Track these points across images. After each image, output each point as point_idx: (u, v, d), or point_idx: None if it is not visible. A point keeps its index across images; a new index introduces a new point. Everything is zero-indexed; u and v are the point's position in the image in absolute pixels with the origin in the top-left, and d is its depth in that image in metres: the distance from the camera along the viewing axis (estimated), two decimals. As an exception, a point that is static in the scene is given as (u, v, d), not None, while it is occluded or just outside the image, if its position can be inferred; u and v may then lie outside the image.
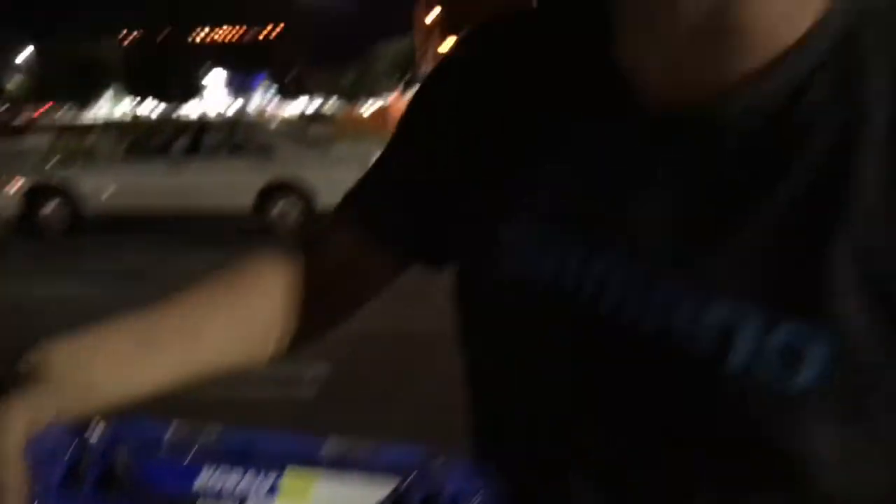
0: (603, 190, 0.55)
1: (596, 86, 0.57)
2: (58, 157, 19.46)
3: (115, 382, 0.61)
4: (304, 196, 10.44)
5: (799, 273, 0.47)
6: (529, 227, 0.57)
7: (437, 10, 42.05)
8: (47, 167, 13.42)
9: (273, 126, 11.40)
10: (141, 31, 52.80)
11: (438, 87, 0.70)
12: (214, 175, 10.71)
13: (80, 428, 0.66)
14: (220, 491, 0.65)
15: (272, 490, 0.65)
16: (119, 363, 0.62)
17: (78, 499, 0.64)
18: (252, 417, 4.15)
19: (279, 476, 0.66)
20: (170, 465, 0.67)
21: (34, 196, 10.74)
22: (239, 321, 0.69)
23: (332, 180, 10.27)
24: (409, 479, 0.66)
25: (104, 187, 10.87)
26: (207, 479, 0.67)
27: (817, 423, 0.46)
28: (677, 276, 0.50)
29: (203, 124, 12.30)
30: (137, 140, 11.66)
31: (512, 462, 0.61)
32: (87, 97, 31.15)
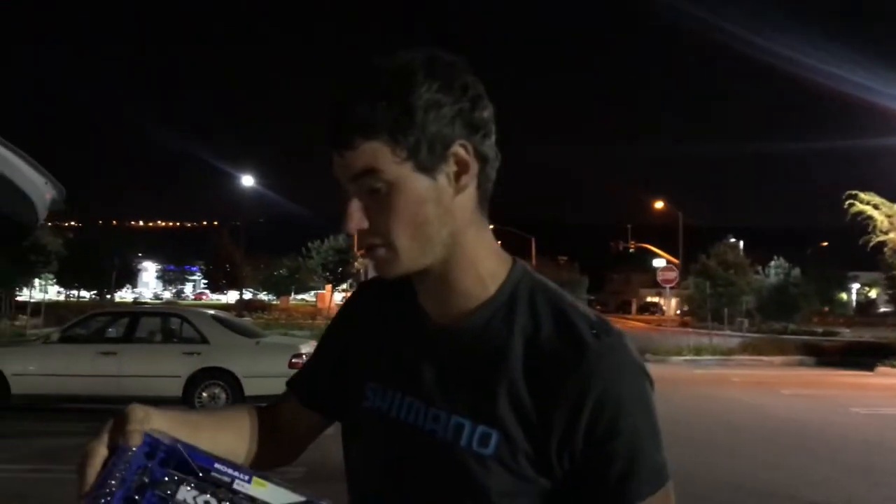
0: (408, 364, 1.18)
1: (409, 313, 1.18)
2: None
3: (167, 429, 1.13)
4: (231, 383, 10.80)
5: (485, 403, 1.08)
6: (374, 386, 1.20)
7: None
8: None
9: (205, 315, 11.78)
10: (77, 221, 53.65)
11: (341, 310, 1.38)
12: (145, 362, 11.01)
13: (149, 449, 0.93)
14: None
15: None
16: (173, 425, 1.07)
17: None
18: None
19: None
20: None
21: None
22: (237, 440, 1.25)
23: (260, 369, 10.80)
24: None
25: (32, 370, 11.01)
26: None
27: (496, 472, 1.06)
28: (439, 405, 1.12)
29: (136, 312, 12.64)
30: (69, 327, 11.85)
31: (368, 496, 1.19)
32: (17, 281, 31.21)
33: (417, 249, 1.06)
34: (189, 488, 0.91)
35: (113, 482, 0.88)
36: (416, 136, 1.02)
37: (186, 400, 10.70)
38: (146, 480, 0.90)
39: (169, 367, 10.85)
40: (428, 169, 1.03)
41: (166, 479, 0.91)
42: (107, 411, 10.91)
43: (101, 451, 0.93)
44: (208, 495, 0.91)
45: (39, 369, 10.97)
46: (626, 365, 1.04)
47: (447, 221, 1.06)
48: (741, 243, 43.89)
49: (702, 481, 7.13)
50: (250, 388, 10.70)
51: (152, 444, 0.93)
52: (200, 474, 0.92)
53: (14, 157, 1.39)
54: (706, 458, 8.44)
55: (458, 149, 1.04)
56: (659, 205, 48.49)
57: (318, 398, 1.31)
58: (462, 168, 1.05)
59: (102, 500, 0.87)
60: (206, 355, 10.90)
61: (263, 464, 1.24)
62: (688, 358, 22.98)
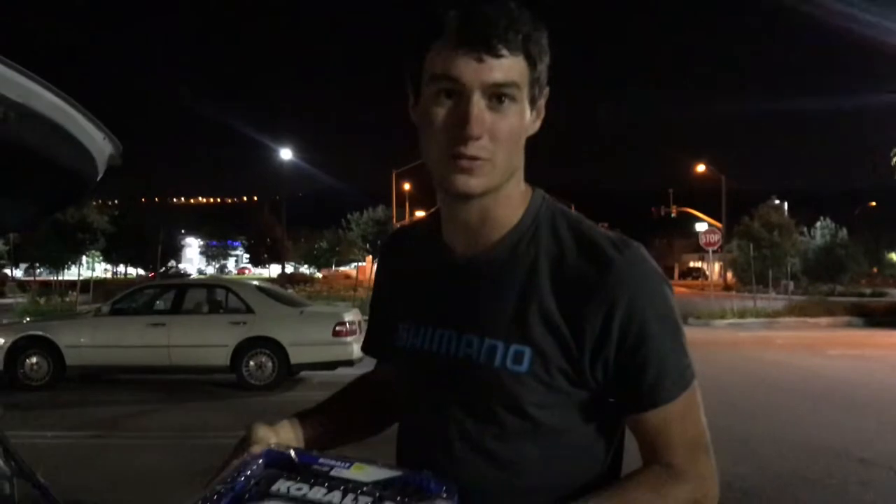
0: (437, 298, 1.24)
1: (433, 253, 1.27)
2: (38, 313, 19.83)
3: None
4: (278, 352, 11.01)
5: (517, 325, 1.14)
6: (406, 325, 1.27)
7: (407, 185, 44.84)
8: (26, 321, 13.86)
9: (250, 286, 11.99)
10: (122, 199, 54.54)
11: (379, 257, 1.46)
12: (193, 332, 11.26)
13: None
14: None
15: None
16: (300, 434, 1.26)
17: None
18: None
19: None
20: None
21: (15, 350, 11.10)
22: (360, 425, 1.40)
23: (305, 337, 10.98)
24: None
25: (85, 342, 11.34)
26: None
27: (531, 387, 1.13)
28: (471, 331, 1.18)
29: (183, 285, 12.90)
30: (119, 299, 12.14)
31: (413, 439, 1.27)
32: (66, 259, 31.95)
33: (503, 171, 1.13)
34: (285, 481, 1.04)
35: (228, 485, 1.04)
36: (540, 72, 1.12)
37: (234, 369, 10.94)
38: (255, 484, 1.04)
39: (216, 337, 11.07)
40: (533, 102, 1.14)
41: (265, 479, 1.05)
42: (158, 382, 11.24)
43: (233, 464, 1.08)
44: (302, 483, 1.03)
45: (92, 341, 11.27)
46: (649, 274, 1.11)
47: (521, 154, 1.16)
48: (786, 205, 43.10)
49: (745, 438, 7.12)
50: (296, 356, 10.89)
51: (269, 455, 1.10)
52: (301, 470, 1.07)
53: (73, 111, 1.44)
54: (749, 416, 8.42)
55: (545, 95, 1.16)
56: (701, 168, 47.61)
57: (382, 350, 1.41)
58: (540, 112, 1.17)
59: (216, 496, 1.02)
60: (252, 325, 11.10)
61: (386, 424, 1.42)
62: (732, 321, 22.76)
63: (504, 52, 1.05)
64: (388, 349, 1.34)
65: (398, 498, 1.00)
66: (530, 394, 1.12)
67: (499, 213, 1.18)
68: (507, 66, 1.06)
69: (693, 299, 29.22)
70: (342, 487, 1.02)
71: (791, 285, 38.22)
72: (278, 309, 11.43)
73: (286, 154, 45.74)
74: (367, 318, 1.53)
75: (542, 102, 1.16)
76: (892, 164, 22.24)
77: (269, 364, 10.99)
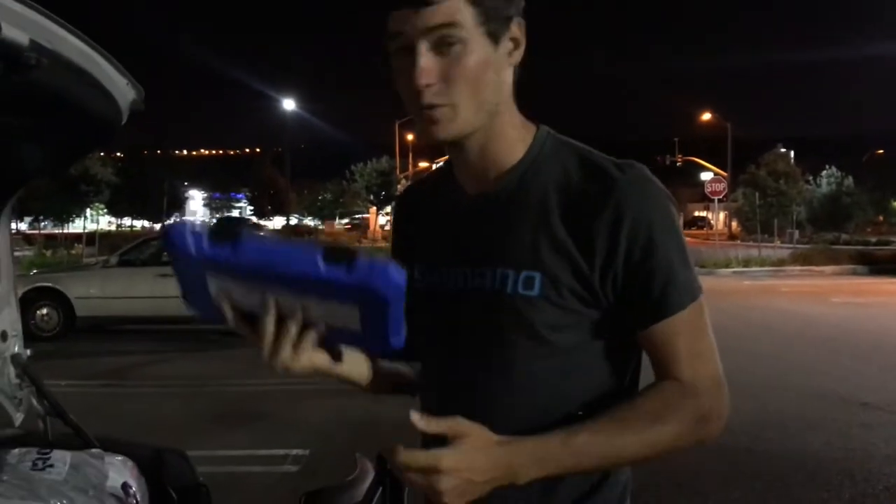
0: (450, 238, 1.28)
1: (446, 194, 1.31)
2: (44, 265, 19.92)
3: None
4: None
5: (526, 253, 1.18)
6: (422, 267, 1.31)
7: (410, 136, 44.61)
8: (33, 273, 13.98)
9: (257, 237, 12.02)
10: (124, 150, 54.31)
11: (395, 207, 1.49)
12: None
13: None
14: None
15: None
16: None
17: None
18: (243, 487, 4.71)
19: None
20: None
21: (25, 302, 11.22)
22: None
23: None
24: None
25: (94, 293, 11.44)
26: None
27: (544, 310, 1.17)
28: (483, 265, 1.22)
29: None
30: (126, 250, 12.21)
31: (431, 375, 1.31)
32: (70, 211, 32.06)
33: (473, 111, 1.14)
34: None
35: None
36: (492, 4, 1.11)
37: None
38: None
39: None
40: (495, 37, 1.12)
41: None
42: (169, 332, 11.37)
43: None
44: None
45: (101, 292, 11.39)
46: (653, 191, 1.15)
47: (498, 90, 1.16)
48: (792, 153, 42.84)
49: (749, 384, 7.22)
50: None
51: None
52: None
53: (98, 57, 1.46)
54: (754, 362, 8.51)
55: (515, 25, 1.15)
56: (706, 117, 47.18)
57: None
58: (516, 43, 1.16)
59: None
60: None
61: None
62: (736, 270, 22.88)
63: (448, 5, 1.08)
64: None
65: None
66: (543, 317, 1.16)
67: (497, 150, 1.21)
68: (444, 10, 1.08)
69: (698, 248, 29.26)
70: None
71: (796, 234, 38.25)
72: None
73: (289, 105, 45.44)
74: None
75: (516, 31, 1.15)
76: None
77: (278, 314, 11.08)
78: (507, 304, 1.17)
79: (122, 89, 1.61)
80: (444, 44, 1.10)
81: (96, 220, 44.90)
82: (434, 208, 1.33)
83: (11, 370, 1.86)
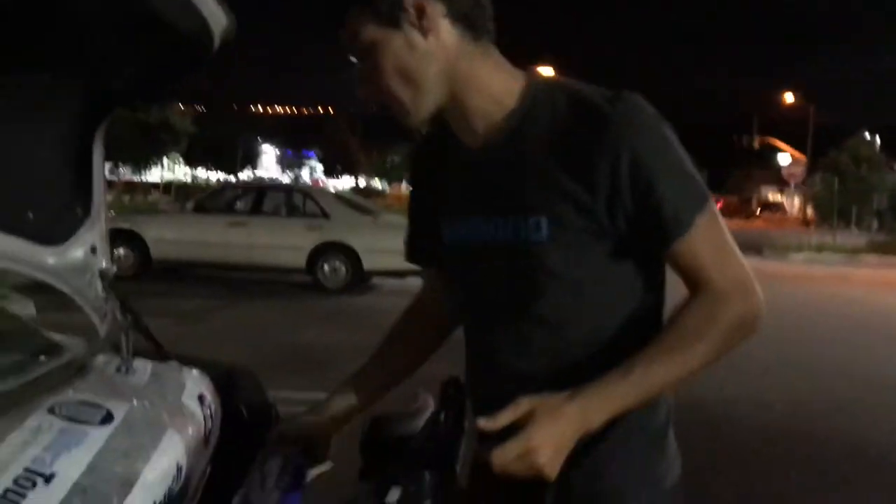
0: (461, 190, 1.31)
1: (451, 150, 1.32)
2: (122, 210, 20.58)
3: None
4: (352, 257, 11.28)
5: (530, 198, 1.21)
6: (445, 221, 1.35)
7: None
8: (112, 214, 14.46)
9: (327, 192, 12.26)
10: (201, 104, 55.43)
11: (410, 167, 1.54)
12: (272, 234, 11.61)
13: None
14: None
15: None
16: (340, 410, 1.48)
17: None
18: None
19: None
20: None
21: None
22: (410, 361, 1.53)
23: (378, 244, 11.21)
24: None
25: (170, 237, 11.81)
26: None
27: (553, 251, 1.21)
28: (495, 214, 1.25)
29: (263, 188, 13.25)
30: (202, 198, 12.54)
31: (472, 327, 1.37)
32: (147, 160, 32.96)
33: (416, 95, 1.22)
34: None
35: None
36: (385, 7, 1.18)
37: (310, 271, 11.27)
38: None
39: (293, 240, 11.40)
40: (394, 23, 1.18)
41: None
42: (238, 279, 11.66)
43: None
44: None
45: (176, 237, 11.74)
46: (646, 119, 1.19)
47: (431, 62, 1.21)
48: (878, 139, 41.19)
49: (815, 373, 7.07)
50: (369, 262, 11.15)
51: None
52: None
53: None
54: (822, 350, 8.32)
55: (424, 14, 1.18)
56: (789, 98, 45.48)
57: (426, 255, 1.50)
58: (419, 12, 1.18)
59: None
60: (328, 230, 11.38)
61: (444, 336, 1.53)
62: (808, 255, 22.21)
63: (349, 20, 1.20)
64: (431, 253, 1.45)
65: None
66: (558, 256, 1.21)
67: (480, 106, 1.24)
68: (352, 31, 1.20)
69: (769, 231, 28.50)
70: None
71: (875, 223, 36.85)
72: (353, 216, 11.68)
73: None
74: None
75: (430, 12, 1.18)
76: None
77: (343, 269, 11.29)
78: (521, 251, 1.23)
79: (216, 14, 1.64)
80: (362, 56, 1.22)
81: (172, 170, 46.03)
82: (442, 166, 1.37)
83: (98, 283, 1.95)
